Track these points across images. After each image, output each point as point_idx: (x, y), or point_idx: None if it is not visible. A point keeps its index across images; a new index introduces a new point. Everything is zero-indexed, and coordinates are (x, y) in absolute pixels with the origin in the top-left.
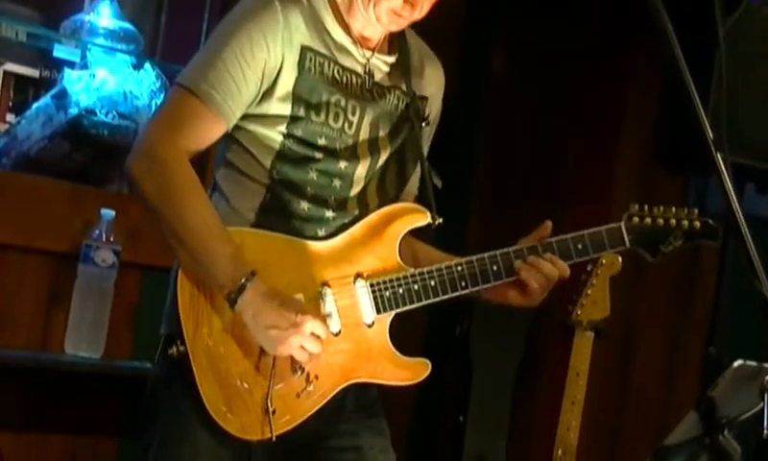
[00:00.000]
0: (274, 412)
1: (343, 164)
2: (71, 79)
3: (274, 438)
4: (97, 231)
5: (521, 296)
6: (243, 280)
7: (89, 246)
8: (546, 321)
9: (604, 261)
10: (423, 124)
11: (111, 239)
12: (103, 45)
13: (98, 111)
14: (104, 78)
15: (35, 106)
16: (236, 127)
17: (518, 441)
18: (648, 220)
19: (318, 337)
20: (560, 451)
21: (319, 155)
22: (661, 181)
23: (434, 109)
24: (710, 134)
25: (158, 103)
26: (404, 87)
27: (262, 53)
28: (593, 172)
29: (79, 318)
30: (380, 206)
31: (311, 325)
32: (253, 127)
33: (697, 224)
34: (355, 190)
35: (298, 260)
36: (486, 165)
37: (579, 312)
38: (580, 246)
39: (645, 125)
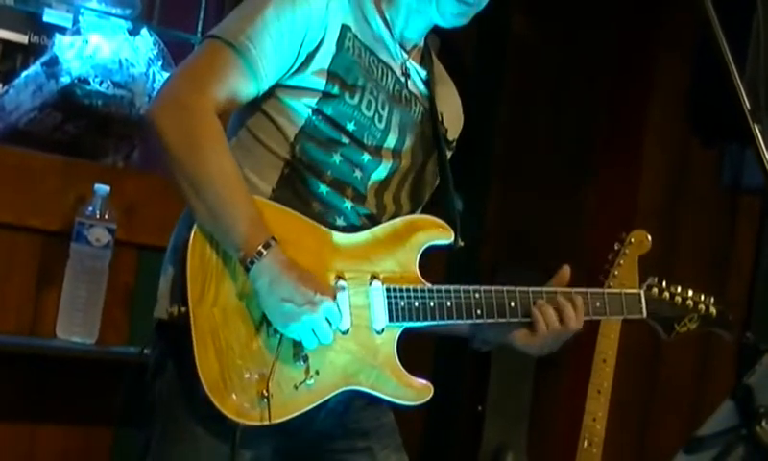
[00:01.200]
0: (268, 398)
1: (366, 157)
2: (62, 45)
3: (271, 422)
4: (90, 208)
5: (527, 336)
6: (262, 245)
7: (82, 224)
8: None
9: (632, 240)
10: (448, 149)
11: (106, 216)
12: (96, 9)
13: (91, 80)
14: (97, 44)
15: (23, 74)
16: (263, 95)
17: (540, 431)
18: (666, 295)
19: (330, 325)
20: (585, 443)
21: (345, 139)
22: (694, 153)
23: (453, 133)
24: (747, 103)
25: (156, 71)
26: (430, 105)
27: (305, 21)
28: (620, 143)
29: (71, 301)
30: (396, 214)
31: (328, 307)
32: (282, 95)
33: (713, 311)
34: (372, 189)
35: (315, 245)
36: (505, 136)
37: None
38: (598, 304)
39: (676, 93)
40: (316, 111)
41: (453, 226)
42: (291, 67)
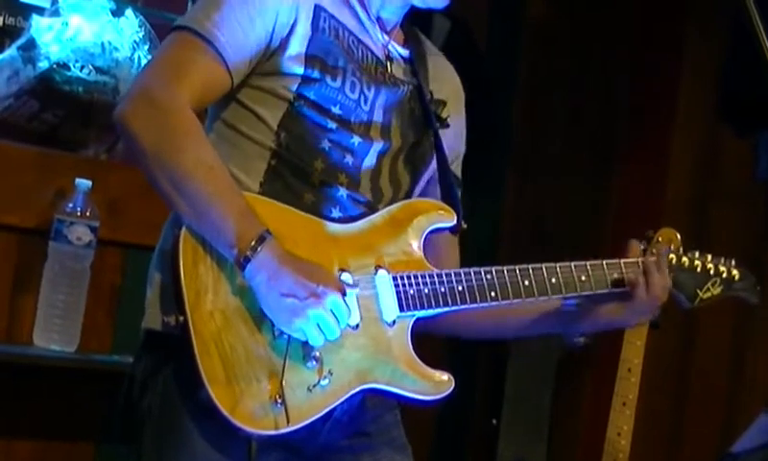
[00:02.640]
0: (283, 404)
1: (357, 140)
2: (40, 27)
3: (290, 427)
4: (71, 204)
5: (619, 308)
6: (256, 239)
7: (62, 221)
8: None
9: (660, 238)
10: (442, 127)
11: (88, 213)
12: None
13: (71, 65)
14: (78, 26)
15: None
16: (239, 85)
17: (561, 447)
18: (685, 260)
19: (337, 319)
20: (610, 459)
21: (332, 124)
22: (726, 142)
23: (453, 112)
24: None
25: (142, 55)
26: (418, 85)
27: (275, 3)
28: (646, 132)
29: (49, 305)
30: (393, 198)
31: (333, 299)
32: (260, 82)
33: (735, 273)
34: (367, 173)
35: (313, 238)
36: (522, 122)
37: None
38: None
39: (707, 78)
40: (298, 97)
41: (454, 207)
42: (265, 53)
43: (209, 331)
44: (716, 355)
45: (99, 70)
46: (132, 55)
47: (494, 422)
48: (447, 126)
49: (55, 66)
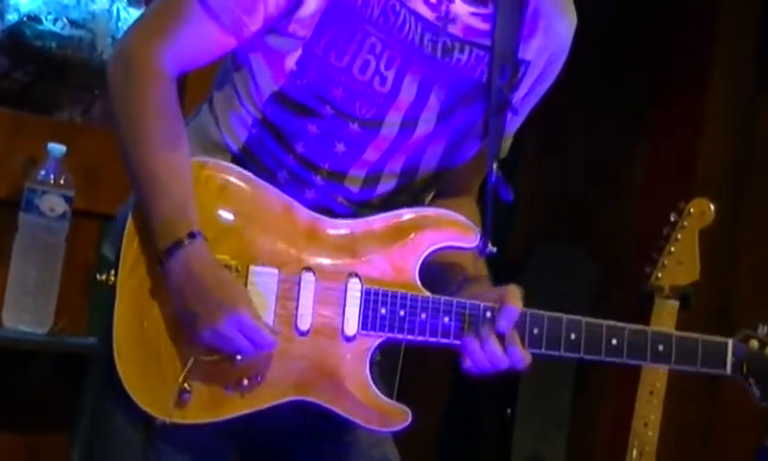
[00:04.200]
0: (189, 393)
1: (355, 128)
2: None
3: (170, 421)
4: (43, 172)
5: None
6: (180, 237)
7: (33, 190)
8: (617, 286)
9: (692, 210)
10: (508, 110)
11: (62, 182)
12: None
13: (44, 18)
14: None
15: None
16: (249, 43)
17: (582, 439)
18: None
19: (248, 338)
20: (635, 453)
21: (328, 111)
22: (765, 110)
23: (533, 77)
24: None
25: (121, 7)
26: (490, 45)
27: None
28: (678, 99)
29: (20, 282)
30: (396, 191)
31: (236, 322)
32: (266, 45)
33: None
34: (363, 165)
35: (288, 228)
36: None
37: (660, 275)
38: (661, 348)
39: (745, 42)
40: (296, 74)
41: (483, 219)
42: (272, 13)
43: (134, 303)
44: None
45: (74, 24)
46: (111, 7)
47: (509, 412)
48: (513, 110)
49: (25, 19)
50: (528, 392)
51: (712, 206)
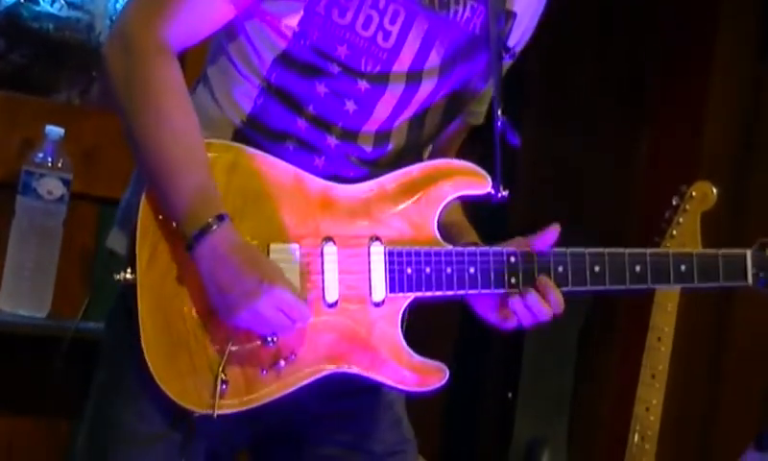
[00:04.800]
0: (226, 383)
1: (363, 86)
2: None
3: (216, 415)
4: (41, 154)
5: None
6: (207, 222)
7: (31, 173)
8: None
9: (694, 193)
10: (506, 56)
11: (59, 165)
12: None
13: (41, 0)
14: None
15: None
16: (244, 12)
17: (583, 423)
18: None
19: (286, 314)
20: (637, 437)
21: (334, 68)
22: None
23: (519, 34)
24: None
25: None
26: (489, 3)
27: None
28: (681, 79)
29: (17, 266)
30: (408, 147)
31: (276, 299)
32: (263, 9)
33: None
34: (374, 122)
35: (302, 200)
36: (541, 68)
37: None
38: (683, 268)
39: (749, 20)
40: (299, 35)
41: (494, 166)
42: None
43: (158, 294)
44: (755, 320)
45: (71, 5)
46: None
47: (510, 395)
48: (512, 54)
49: (22, 1)
50: (529, 375)
51: (715, 189)
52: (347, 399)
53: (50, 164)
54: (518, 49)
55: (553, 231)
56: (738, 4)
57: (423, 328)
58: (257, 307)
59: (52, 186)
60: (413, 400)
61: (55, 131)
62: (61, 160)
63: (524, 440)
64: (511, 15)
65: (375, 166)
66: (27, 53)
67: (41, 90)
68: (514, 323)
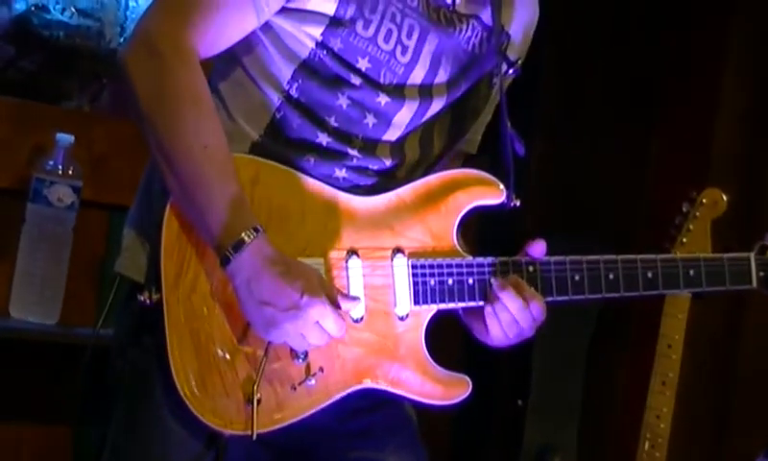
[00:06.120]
0: (259, 402)
1: (383, 99)
2: None
3: (255, 436)
4: (51, 162)
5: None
6: (242, 235)
7: (41, 180)
8: None
9: (704, 200)
10: (509, 69)
11: (70, 171)
12: None
13: (51, 7)
14: None
15: None
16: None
17: (593, 431)
18: None
19: (324, 329)
20: (647, 445)
21: (356, 80)
22: None
23: (517, 48)
24: None
25: None
26: (486, 19)
27: None
28: (692, 81)
29: (27, 273)
30: (421, 161)
31: (317, 312)
32: (282, 22)
33: None
34: (391, 136)
35: (324, 213)
36: (552, 73)
37: None
38: (691, 273)
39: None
40: (321, 44)
41: (506, 176)
42: None
43: (186, 315)
44: (767, 329)
45: (82, 13)
46: None
47: (520, 403)
48: (516, 70)
49: (33, 8)
50: (539, 383)
51: (725, 196)
52: (361, 416)
53: (60, 172)
54: (521, 61)
55: (541, 243)
56: (751, 5)
57: (434, 336)
58: (298, 322)
59: (62, 194)
60: (424, 408)
61: (65, 138)
62: (72, 168)
63: (534, 447)
64: (506, 34)
65: (390, 179)
66: (37, 60)
67: (52, 98)
68: (495, 329)
